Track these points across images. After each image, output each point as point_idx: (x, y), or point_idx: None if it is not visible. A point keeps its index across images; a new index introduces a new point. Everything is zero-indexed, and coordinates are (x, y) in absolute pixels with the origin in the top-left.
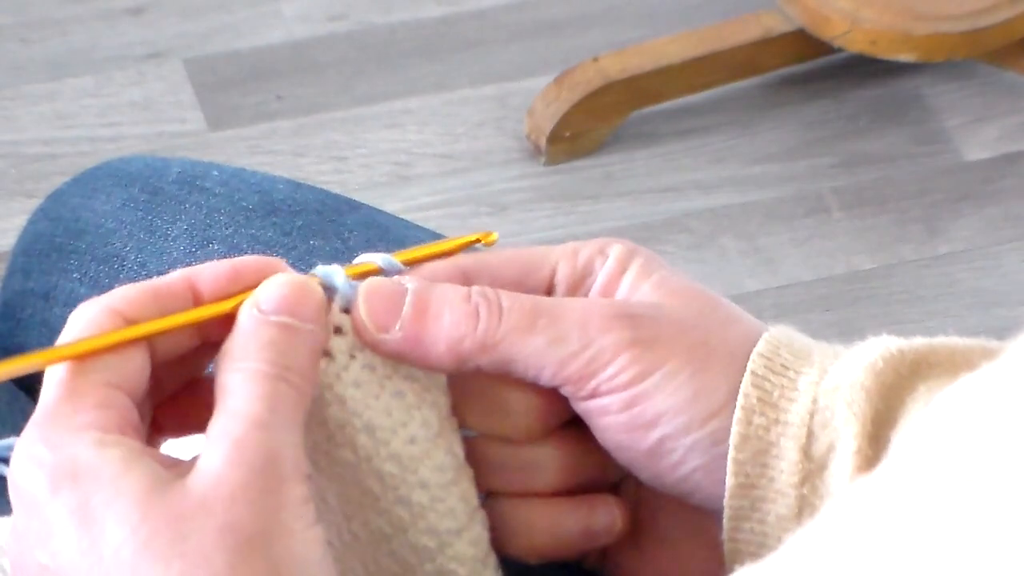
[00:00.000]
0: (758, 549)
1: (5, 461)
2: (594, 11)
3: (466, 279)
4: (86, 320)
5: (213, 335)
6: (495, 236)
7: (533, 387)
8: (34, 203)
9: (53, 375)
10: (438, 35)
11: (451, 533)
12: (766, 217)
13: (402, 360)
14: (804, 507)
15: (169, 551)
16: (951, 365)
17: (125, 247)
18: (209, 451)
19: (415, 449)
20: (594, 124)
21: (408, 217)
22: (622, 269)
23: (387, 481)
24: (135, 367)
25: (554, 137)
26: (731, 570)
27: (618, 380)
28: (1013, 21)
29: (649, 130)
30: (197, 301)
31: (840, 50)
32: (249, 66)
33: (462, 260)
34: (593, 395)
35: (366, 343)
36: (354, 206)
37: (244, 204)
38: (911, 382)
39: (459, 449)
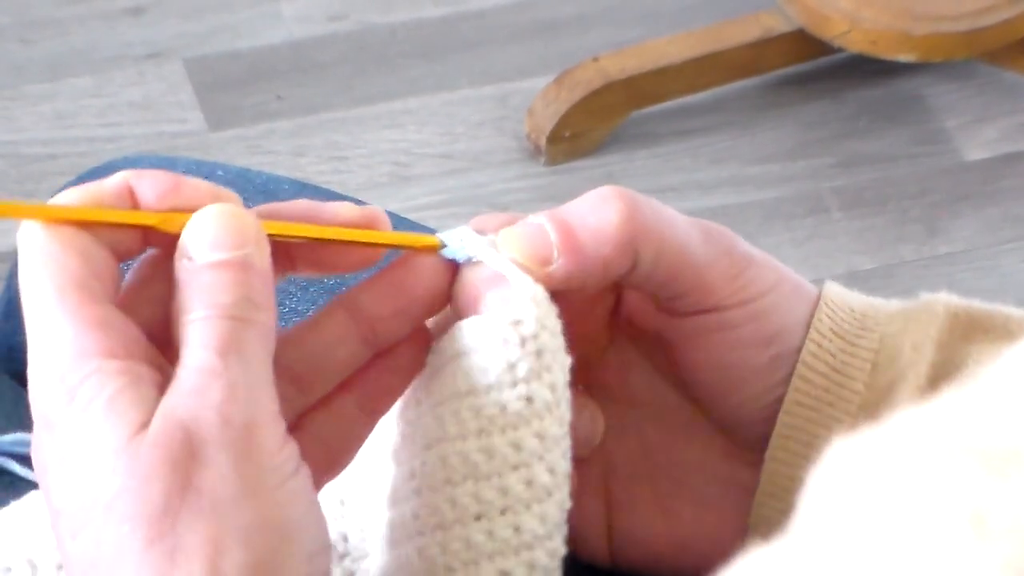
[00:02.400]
0: (796, 472)
1: (11, 456)
2: (594, 11)
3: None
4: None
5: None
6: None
7: None
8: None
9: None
10: (438, 35)
11: (545, 489)
12: (766, 217)
13: (578, 281)
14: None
15: (133, 510)
16: (1005, 332)
17: None
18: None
19: (549, 396)
20: (594, 124)
21: (408, 217)
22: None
23: (498, 461)
24: (103, 270)
25: (554, 137)
26: (766, 493)
27: (751, 289)
28: (1013, 21)
29: (649, 130)
30: (135, 206)
31: (840, 50)
32: (249, 66)
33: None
34: (716, 307)
35: (538, 280)
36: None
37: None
38: (964, 344)
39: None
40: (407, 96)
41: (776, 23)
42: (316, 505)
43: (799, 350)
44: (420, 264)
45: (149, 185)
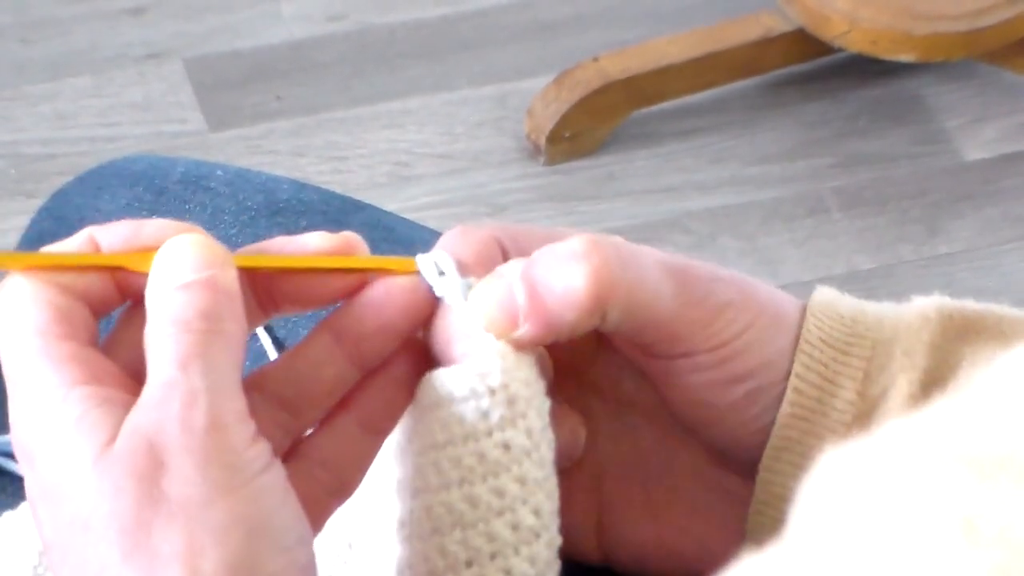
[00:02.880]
0: (791, 482)
1: (11, 456)
2: (594, 11)
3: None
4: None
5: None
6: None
7: None
8: (34, 203)
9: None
10: (438, 35)
11: (532, 531)
12: (766, 217)
13: (543, 343)
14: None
15: (109, 524)
16: (999, 333)
17: None
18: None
19: (526, 442)
20: (594, 124)
21: (407, 217)
22: None
23: (483, 509)
24: (65, 312)
25: (554, 137)
26: (761, 503)
27: (726, 332)
28: (1013, 21)
29: (649, 130)
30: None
31: (840, 50)
32: (249, 66)
33: (495, 232)
34: (686, 353)
35: (506, 343)
36: (359, 206)
37: (248, 204)
38: (959, 346)
39: (552, 448)
40: (407, 96)
41: (776, 23)
42: (290, 500)
43: (785, 377)
44: (398, 282)
45: (112, 235)
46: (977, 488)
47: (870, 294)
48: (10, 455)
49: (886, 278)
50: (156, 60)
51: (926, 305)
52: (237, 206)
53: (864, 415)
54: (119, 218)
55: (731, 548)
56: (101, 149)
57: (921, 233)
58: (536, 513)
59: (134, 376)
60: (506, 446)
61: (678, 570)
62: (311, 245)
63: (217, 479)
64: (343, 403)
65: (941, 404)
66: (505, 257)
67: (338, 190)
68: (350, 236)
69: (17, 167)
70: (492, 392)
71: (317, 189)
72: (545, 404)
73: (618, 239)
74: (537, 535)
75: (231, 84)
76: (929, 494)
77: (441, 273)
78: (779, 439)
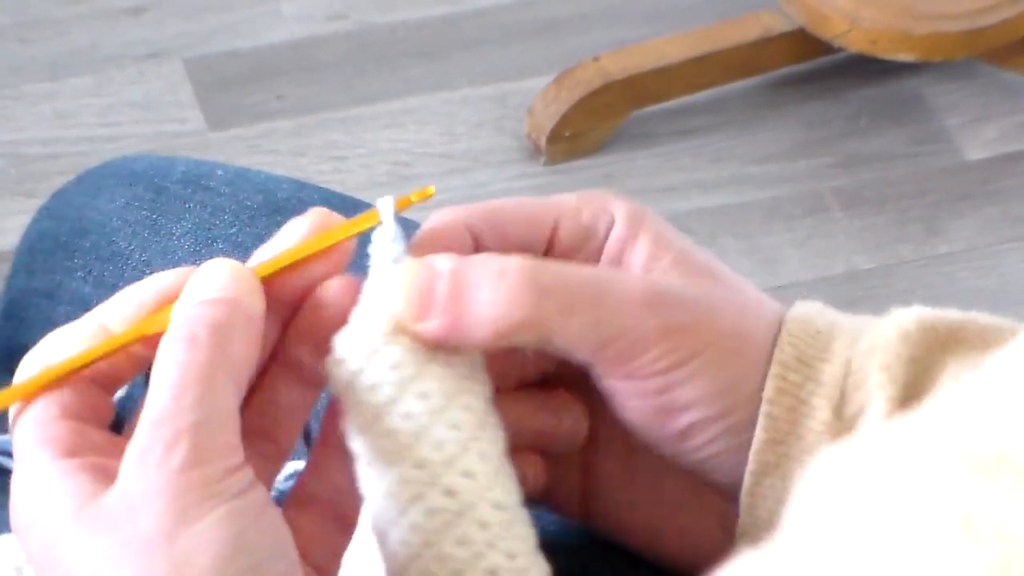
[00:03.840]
0: (775, 506)
1: (11, 456)
2: (594, 11)
3: (474, 239)
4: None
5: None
6: (431, 190)
7: None
8: (33, 203)
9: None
10: (438, 35)
11: (500, 525)
12: (766, 217)
13: (443, 345)
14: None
15: (88, 570)
16: (981, 342)
17: (129, 246)
18: (123, 463)
19: (459, 435)
20: (594, 124)
21: (408, 217)
22: (632, 235)
23: (428, 468)
24: (82, 399)
25: (554, 137)
26: (747, 524)
27: (653, 367)
28: (1013, 21)
29: (649, 130)
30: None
31: (840, 50)
32: (249, 66)
33: (471, 217)
34: (627, 377)
35: (407, 332)
36: (359, 205)
37: (248, 203)
38: (941, 356)
39: (498, 442)
40: (407, 96)
41: (776, 23)
42: (265, 521)
43: (749, 403)
44: (324, 293)
45: (117, 312)
46: (974, 484)
47: (870, 294)
48: (9, 454)
49: (886, 278)
50: (156, 59)
51: (906, 317)
52: (237, 205)
53: (842, 435)
54: (118, 217)
55: (710, 532)
56: (101, 149)
57: (921, 233)
58: (482, 457)
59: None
60: (407, 415)
61: (660, 553)
62: (294, 234)
63: (185, 511)
64: (324, 438)
65: (936, 402)
66: (476, 244)
67: (338, 189)
68: (320, 211)
69: (17, 167)
70: (349, 378)
71: (317, 188)
72: (449, 364)
73: (581, 272)
74: (486, 484)
75: (231, 84)
76: (926, 490)
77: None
78: (756, 464)
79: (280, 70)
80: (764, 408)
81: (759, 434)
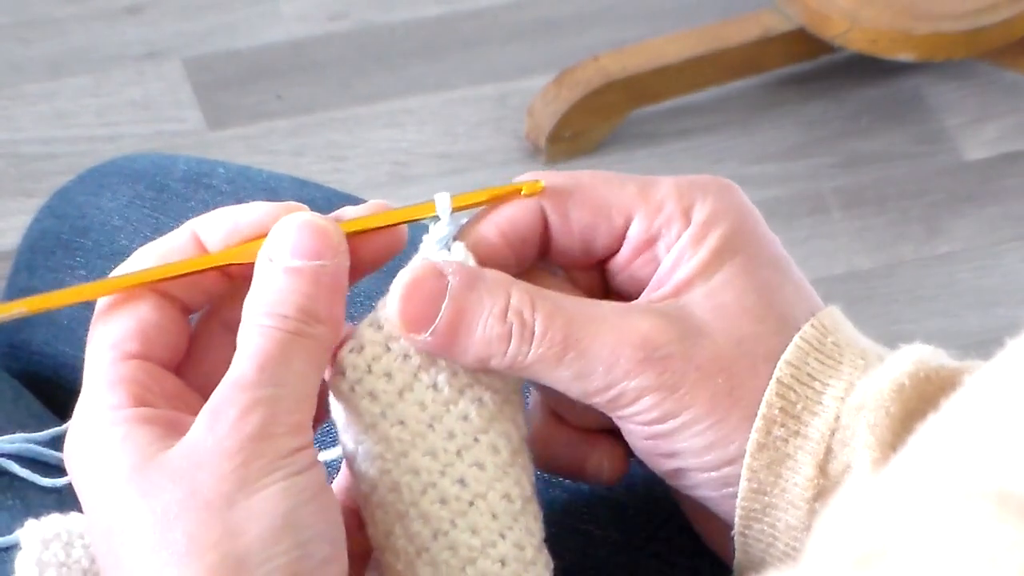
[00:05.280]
0: (767, 547)
1: (10, 456)
2: (594, 10)
3: (540, 222)
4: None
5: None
6: (541, 185)
7: None
8: (33, 203)
9: (87, 360)
10: (438, 34)
11: (492, 532)
12: (766, 217)
13: (436, 356)
14: (815, 520)
15: (140, 525)
16: None
17: (131, 244)
18: (196, 419)
19: (457, 443)
20: (594, 123)
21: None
22: (697, 241)
23: (424, 478)
24: (149, 329)
25: (554, 137)
26: (742, 561)
27: (640, 418)
28: (1013, 21)
29: (649, 130)
30: (203, 252)
31: (840, 49)
32: (248, 65)
33: (546, 193)
34: (618, 418)
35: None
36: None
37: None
38: (935, 404)
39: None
40: (407, 96)
41: (776, 23)
42: (317, 502)
43: (740, 454)
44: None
45: (213, 228)
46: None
47: (870, 294)
48: (10, 455)
49: (886, 278)
50: (155, 59)
51: (901, 368)
52: (238, 203)
53: (826, 491)
54: (120, 216)
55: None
56: (100, 148)
57: (921, 233)
58: (480, 466)
59: (201, 389)
60: (422, 404)
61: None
62: (361, 211)
63: (248, 479)
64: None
65: (962, 432)
66: (545, 226)
67: (338, 189)
68: (378, 203)
69: (17, 166)
70: (369, 365)
71: (318, 187)
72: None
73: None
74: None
75: (231, 83)
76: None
77: (437, 218)
78: (743, 510)
79: (280, 70)
80: (746, 461)
81: (743, 483)
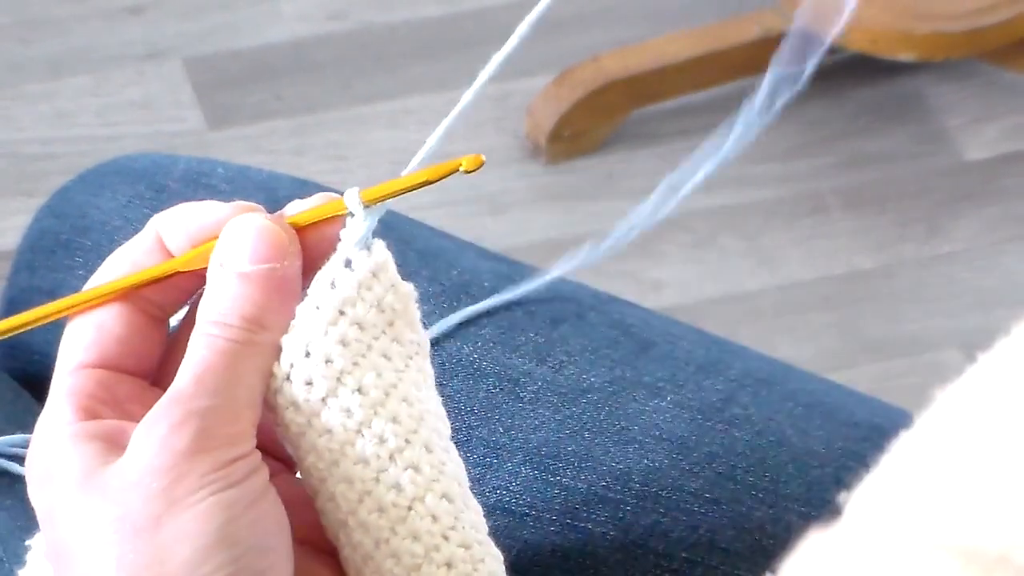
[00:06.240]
0: None
1: (10, 457)
2: (594, 10)
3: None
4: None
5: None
6: (482, 159)
7: None
8: (33, 202)
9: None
10: (438, 34)
11: (451, 514)
12: (766, 217)
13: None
14: None
15: (80, 548)
16: None
17: None
18: (132, 435)
19: (400, 428)
20: (594, 123)
21: (409, 216)
22: None
23: (371, 464)
24: (107, 337)
25: (554, 136)
26: None
27: None
28: (1013, 21)
29: (649, 129)
30: (169, 256)
31: (840, 50)
32: (249, 65)
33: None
34: None
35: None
36: None
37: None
38: None
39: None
40: (407, 95)
41: (776, 23)
42: (256, 512)
43: None
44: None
45: (175, 228)
46: None
47: (871, 294)
48: (10, 456)
49: (886, 278)
50: (155, 59)
51: None
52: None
53: None
54: (120, 216)
55: None
56: (100, 148)
57: (922, 233)
58: (415, 468)
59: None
60: (347, 411)
61: None
62: (306, 205)
63: (176, 498)
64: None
65: (929, 486)
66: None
67: (339, 189)
68: (325, 195)
69: (17, 166)
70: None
71: (318, 186)
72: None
73: None
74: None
75: (231, 83)
76: None
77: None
78: None
79: (280, 70)
80: None
81: None
